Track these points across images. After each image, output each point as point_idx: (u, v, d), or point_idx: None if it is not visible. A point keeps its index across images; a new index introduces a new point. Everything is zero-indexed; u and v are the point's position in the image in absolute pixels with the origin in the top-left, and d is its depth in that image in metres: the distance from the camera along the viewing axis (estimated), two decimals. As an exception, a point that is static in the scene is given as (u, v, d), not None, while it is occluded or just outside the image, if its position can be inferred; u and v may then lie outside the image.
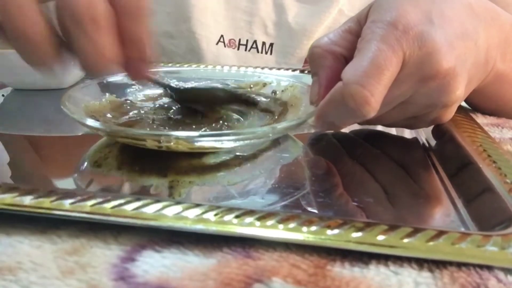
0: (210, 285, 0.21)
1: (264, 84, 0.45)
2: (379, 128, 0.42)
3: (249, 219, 0.24)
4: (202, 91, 0.42)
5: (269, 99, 0.42)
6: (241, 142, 0.34)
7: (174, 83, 0.41)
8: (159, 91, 0.43)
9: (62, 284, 0.21)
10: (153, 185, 0.32)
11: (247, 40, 0.70)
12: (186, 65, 0.58)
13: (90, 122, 0.34)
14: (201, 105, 0.40)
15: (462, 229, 0.27)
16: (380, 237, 0.23)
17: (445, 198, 0.31)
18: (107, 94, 0.42)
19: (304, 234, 0.23)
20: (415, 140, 0.40)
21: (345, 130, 0.40)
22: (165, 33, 0.70)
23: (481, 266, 0.23)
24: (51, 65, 0.31)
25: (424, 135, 0.40)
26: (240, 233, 0.24)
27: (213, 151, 0.35)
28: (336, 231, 0.23)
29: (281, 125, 0.35)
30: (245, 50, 0.70)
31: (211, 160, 0.35)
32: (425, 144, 0.39)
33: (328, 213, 0.28)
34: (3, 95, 0.52)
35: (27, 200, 0.25)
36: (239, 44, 0.70)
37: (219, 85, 0.43)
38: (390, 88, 0.30)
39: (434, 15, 0.32)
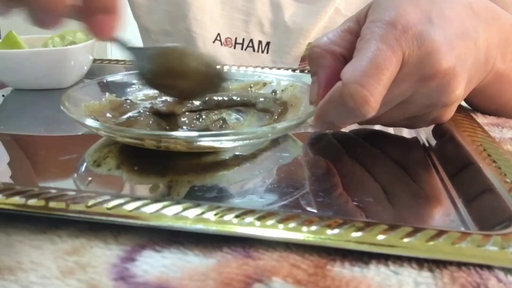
0: (210, 285, 0.21)
1: (264, 84, 0.45)
2: (379, 128, 0.42)
3: (249, 219, 0.24)
4: (166, 50, 0.37)
5: (268, 99, 0.42)
6: (241, 142, 0.34)
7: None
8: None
9: (62, 284, 0.21)
10: (152, 184, 0.32)
11: (243, 39, 0.70)
12: None
13: (89, 122, 0.34)
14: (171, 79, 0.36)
15: (462, 229, 0.27)
16: (380, 237, 0.23)
17: (445, 197, 0.31)
18: (107, 93, 0.42)
19: (304, 234, 0.23)
20: (415, 140, 0.40)
21: (345, 130, 0.40)
22: (163, 31, 0.70)
23: (481, 266, 0.23)
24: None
25: (424, 134, 0.40)
26: (240, 233, 0.24)
27: (213, 151, 0.35)
28: (336, 230, 0.23)
29: (280, 125, 0.35)
30: (241, 49, 0.70)
31: (210, 160, 0.35)
32: (425, 144, 0.39)
33: (328, 213, 0.28)
34: (3, 95, 0.52)
35: (27, 200, 0.25)
36: (236, 43, 0.70)
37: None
38: (390, 87, 0.30)
39: (434, 15, 0.32)
